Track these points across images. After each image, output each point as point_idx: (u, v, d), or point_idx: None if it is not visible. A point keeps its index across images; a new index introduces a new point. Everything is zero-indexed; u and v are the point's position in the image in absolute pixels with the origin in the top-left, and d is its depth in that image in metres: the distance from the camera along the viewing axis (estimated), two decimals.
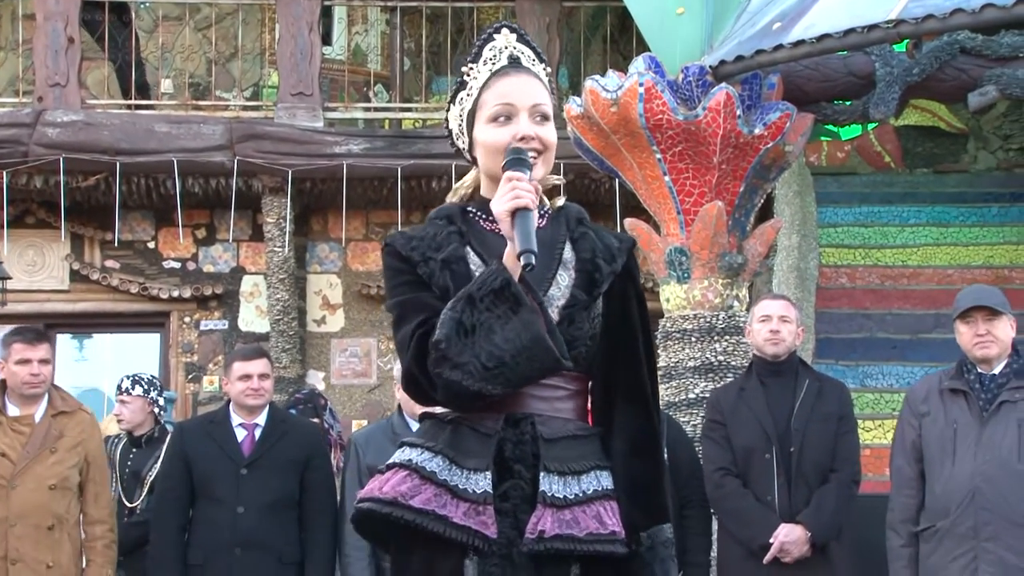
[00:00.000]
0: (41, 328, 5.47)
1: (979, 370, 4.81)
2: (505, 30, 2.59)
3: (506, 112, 2.50)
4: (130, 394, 5.99)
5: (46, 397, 5.21)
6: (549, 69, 2.63)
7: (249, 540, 5.13)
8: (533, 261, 2.32)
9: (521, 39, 2.59)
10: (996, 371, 4.79)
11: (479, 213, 2.59)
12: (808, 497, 4.98)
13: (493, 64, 2.55)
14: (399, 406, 5.43)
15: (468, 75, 2.57)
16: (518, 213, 2.36)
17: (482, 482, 2.44)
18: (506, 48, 2.56)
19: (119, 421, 6.02)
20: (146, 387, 6.05)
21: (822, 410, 5.07)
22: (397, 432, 5.22)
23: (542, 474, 2.44)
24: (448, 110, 2.65)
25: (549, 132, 2.53)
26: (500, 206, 2.38)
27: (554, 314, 2.46)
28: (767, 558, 4.94)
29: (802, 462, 5.01)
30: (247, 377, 5.27)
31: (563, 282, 2.51)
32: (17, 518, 5.01)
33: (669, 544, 2.47)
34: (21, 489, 5.03)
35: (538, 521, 2.41)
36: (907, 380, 8.27)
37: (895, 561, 4.90)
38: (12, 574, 4.97)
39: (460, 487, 2.45)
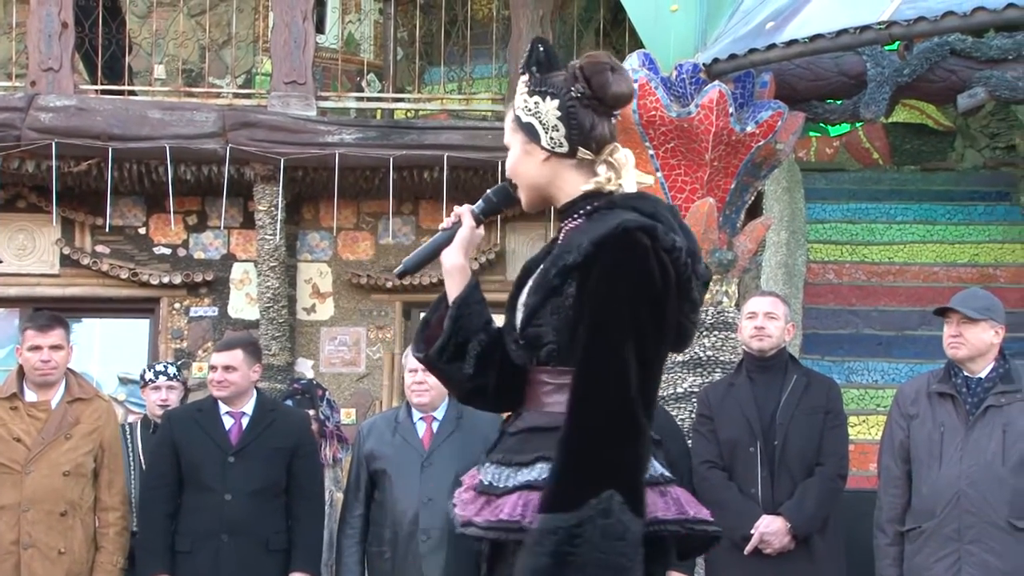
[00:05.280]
0: (56, 314, 5.46)
1: (966, 374, 4.87)
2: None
3: None
4: (177, 379, 6.15)
5: (63, 383, 5.21)
6: (526, 77, 2.63)
7: (236, 527, 5.20)
8: (399, 271, 2.77)
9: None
10: (983, 375, 4.85)
11: (564, 222, 2.69)
12: (792, 490, 5.04)
13: None
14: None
15: None
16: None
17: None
18: None
19: (163, 406, 6.02)
20: (181, 375, 6.27)
21: (808, 404, 5.12)
22: (399, 422, 5.33)
23: (485, 465, 2.61)
24: None
25: (508, 160, 2.68)
26: None
27: (524, 313, 2.60)
28: (748, 549, 5.00)
29: (785, 456, 5.06)
30: (213, 368, 5.40)
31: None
32: (30, 503, 5.03)
33: (533, 534, 2.36)
34: (35, 475, 5.05)
35: (465, 508, 2.59)
36: (892, 377, 8.34)
37: (881, 559, 4.97)
38: (24, 559, 4.99)
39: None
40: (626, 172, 2.60)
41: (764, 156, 6.27)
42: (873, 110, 6.38)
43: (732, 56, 5.95)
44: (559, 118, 2.57)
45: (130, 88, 9.59)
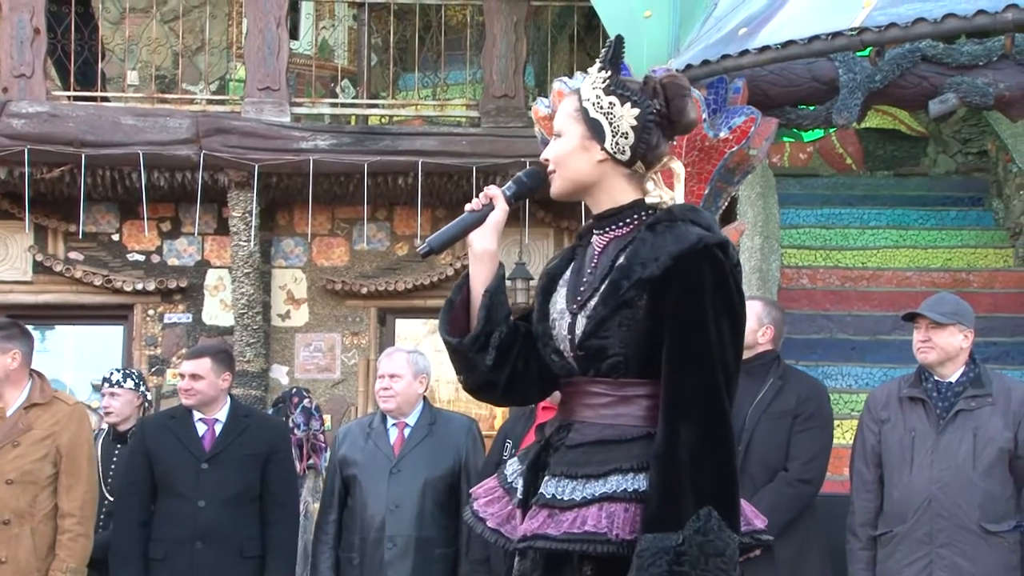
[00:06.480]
0: None
1: (936, 378, 4.90)
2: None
3: None
4: (121, 387, 5.91)
5: (27, 388, 5.10)
6: (606, 74, 2.57)
7: (210, 534, 5.18)
8: (423, 250, 2.66)
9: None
10: (953, 379, 4.88)
11: (593, 227, 2.67)
12: (753, 496, 5.01)
13: None
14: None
15: None
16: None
17: (519, 487, 2.61)
18: None
19: (107, 414, 5.90)
20: (136, 381, 6.02)
21: (778, 408, 5.07)
22: (373, 428, 5.33)
23: (545, 478, 2.53)
24: None
25: (553, 147, 2.61)
26: None
27: (585, 324, 2.53)
28: None
29: (747, 462, 5.00)
30: (181, 376, 5.40)
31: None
32: None
33: (645, 555, 2.34)
34: None
35: (525, 521, 2.51)
36: (866, 381, 8.36)
37: (854, 563, 4.98)
38: None
39: (514, 488, 2.62)
40: (677, 183, 2.60)
41: (737, 162, 6.28)
42: (846, 116, 6.39)
43: (705, 62, 5.95)
44: (633, 128, 2.54)
45: (103, 94, 9.55)
